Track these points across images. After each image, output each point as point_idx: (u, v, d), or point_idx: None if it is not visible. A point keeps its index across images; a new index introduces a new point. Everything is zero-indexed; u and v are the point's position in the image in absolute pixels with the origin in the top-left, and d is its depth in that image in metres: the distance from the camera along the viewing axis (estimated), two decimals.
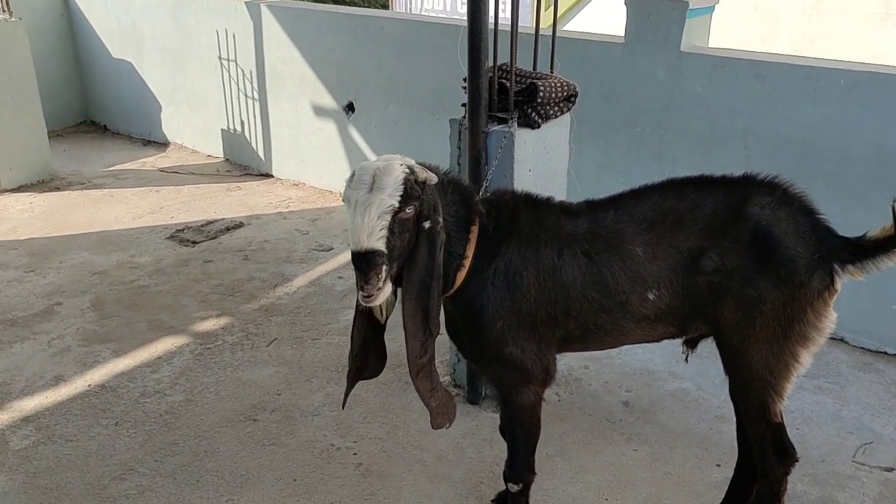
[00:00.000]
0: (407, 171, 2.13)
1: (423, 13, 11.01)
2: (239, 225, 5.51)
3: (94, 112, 7.81)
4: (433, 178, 2.19)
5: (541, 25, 3.52)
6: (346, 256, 4.75)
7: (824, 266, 2.29)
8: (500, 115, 3.18)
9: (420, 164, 2.32)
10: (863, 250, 2.28)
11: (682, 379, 3.66)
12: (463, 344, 2.65)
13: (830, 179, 3.76)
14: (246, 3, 6.11)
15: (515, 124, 3.16)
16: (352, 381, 2.51)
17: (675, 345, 2.77)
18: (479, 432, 3.34)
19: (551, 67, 3.44)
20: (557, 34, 3.47)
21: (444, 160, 3.24)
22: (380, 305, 2.29)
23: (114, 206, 5.87)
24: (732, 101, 4.03)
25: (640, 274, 2.39)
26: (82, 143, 7.35)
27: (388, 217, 2.07)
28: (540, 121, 3.21)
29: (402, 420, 3.41)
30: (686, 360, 2.77)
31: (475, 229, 2.38)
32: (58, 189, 6.22)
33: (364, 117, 5.75)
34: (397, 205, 2.08)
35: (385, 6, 12.93)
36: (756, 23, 8.86)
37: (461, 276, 2.38)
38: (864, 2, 8.39)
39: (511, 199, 2.52)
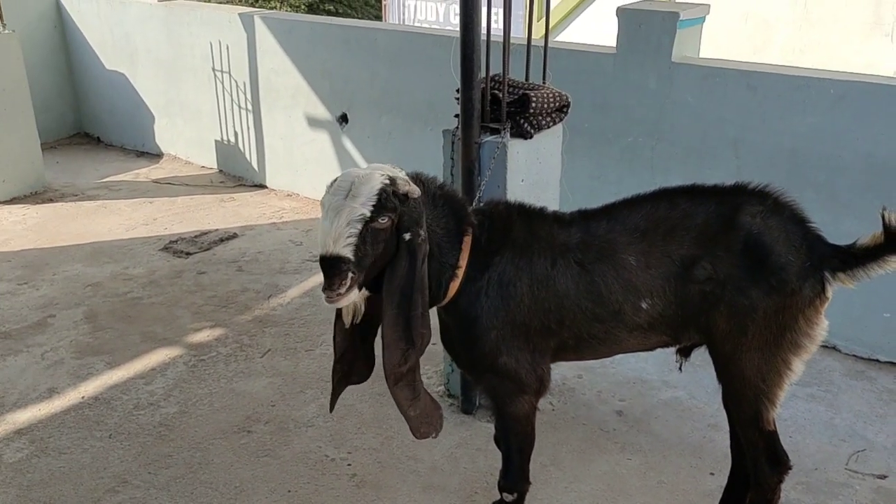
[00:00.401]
0: (386, 182, 2.14)
1: (416, 24, 11.06)
2: (233, 236, 5.51)
3: (88, 124, 7.81)
4: (415, 192, 2.20)
5: (533, 36, 3.54)
6: None
7: (815, 274, 2.31)
8: (492, 125, 3.20)
9: (414, 174, 2.34)
10: (853, 258, 2.30)
11: (675, 388, 3.67)
12: (458, 354, 2.65)
13: (821, 188, 3.79)
14: (239, 14, 6.13)
15: (508, 135, 3.17)
16: (337, 386, 2.51)
17: (668, 354, 2.79)
18: (474, 442, 3.34)
19: (543, 78, 3.47)
20: (549, 45, 3.49)
21: (438, 171, 3.26)
22: (347, 309, 2.33)
23: (107, 218, 5.87)
24: (723, 111, 4.06)
25: (633, 283, 2.40)
26: (76, 155, 7.35)
27: (358, 225, 2.09)
28: (532, 131, 3.22)
29: (397, 430, 3.40)
30: (680, 368, 2.78)
31: (468, 240, 2.39)
32: (51, 201, 6.21)
33: (357, 128, 5.76)
34: (368, 214, 2.10)
35: (378, 17, 12.98)
36: (747, 34, 8.93)
37: (454, 287, 2.39)
38: (854, 13, 8.46)
39: (504, 210, 2.53)
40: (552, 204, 3.32)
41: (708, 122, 4.12)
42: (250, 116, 6.37)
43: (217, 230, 5.60)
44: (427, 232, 2.29)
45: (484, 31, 3.08)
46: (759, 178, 2.46)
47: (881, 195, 3.55)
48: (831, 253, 2.33)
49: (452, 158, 3.30)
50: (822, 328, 2.37)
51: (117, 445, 3.37)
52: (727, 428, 2.73)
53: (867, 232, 2.30)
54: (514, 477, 2.63)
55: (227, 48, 6.28)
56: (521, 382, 2.50)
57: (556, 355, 2.58)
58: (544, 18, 3.74)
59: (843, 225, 3.49)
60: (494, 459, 2.89)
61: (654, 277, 2.40)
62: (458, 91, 3.12)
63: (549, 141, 3.37)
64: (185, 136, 7.04)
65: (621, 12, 4.28)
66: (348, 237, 2.09)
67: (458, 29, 3.05)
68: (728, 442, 2.76)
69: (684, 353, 2.68)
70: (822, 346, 3.89)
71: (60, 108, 7.65)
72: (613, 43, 4.39)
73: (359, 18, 13.03)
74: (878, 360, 3.85)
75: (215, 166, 6.88)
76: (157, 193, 6.37)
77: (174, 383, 3.80)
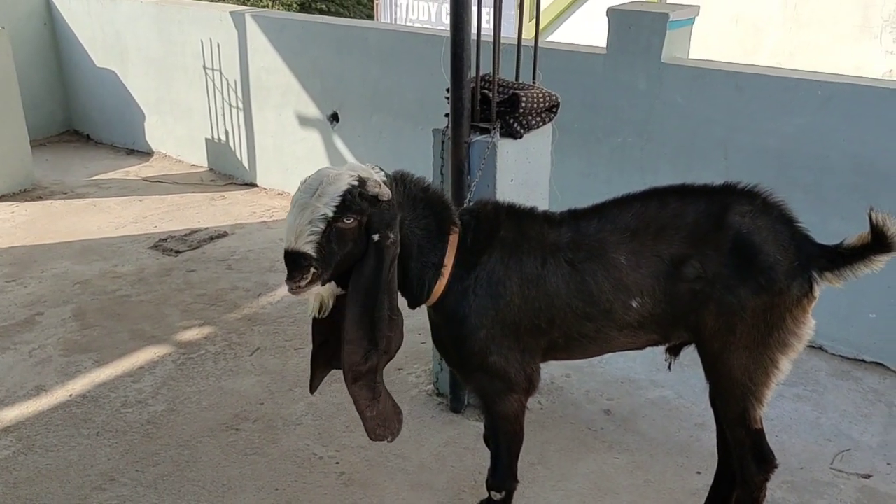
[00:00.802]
0: (354, 183, 2.16)
1: (407, 23, 11.06)
2: (223, 234, 5.50)
3: (78, 121, 7.78)
4: (385, 194, 2.21)
5: (524, 37, 3.55)
6: None
7: (803, 274, 2.32)
8: (482, 125, 3.20)
9: (397, 174, 2.35)
10: (841, 258, 2.31)
11: (662, 387, 3.69)
12: (448, 353, 2.66)
13: (808, 189, 3.82)
14: (230, 13, 6.12)
15: (498, 134, 3.18)
16: (317, 370, 2.51)
17: (656, 354, 2.80)
18: (462, 441, 3.34)
19: (533, 78, 3.48)
20: (540, 45, 3.50)
21: (428, 170, 3.27)
22: (313, 302, 2.37)
23: (96, 216, 5.85)
24: (712, 111, 4.08)
25: (623, 282, 2.41)
26: (65, 153, 7.32)
27: (321, 224, 2.13)
28: (522, 131, 3.23)
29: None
30: (669, 367, 2.80)
31: (453, 239, 2.40)
32: (40, 198, 6.18)
33: (348, 127, 5.76)
34: (331, 214, 2.13)
35: (370, 17, 12.98)
36: (737, 36, 8.97)
37: (441, 285, 2.40)
38: (843, 15, 8.52)
39: (492, 210, 2.54)
40: (542, 203, 3.33)
41: (697, 123, 4.14)
42: (241, 115, 6.36)
43: (207, 228, 5.59)
44: (405, 232, 2.31)
45: (474, 30, 3.08)
46: (747, 178, 2.47)
47: (868, 196, 3.57)
48: (819, 252, 2.34)
49: (442, 157, 3.30)
50: (810, 327, 2.39)
51: (104, 443, 3.35)
52: (714, 427, 2.74)
53: (854, 232, 2.31)
54: (503, 475, 2.64)
55: (218, 46, 6.26)
56: (510, 381, 2.50)
57: (546, 354, 2.59)
58: (535, 19, 3.75)
59: (830, 225, 3.51)
60: (482, 458, 2.90)
61: (644, 276, 2.40)
62: (448, 90, 3.12)
63: (539, 141, 3.38)
64: (176, 134, 7.02)
65: (611, 13, 4.30)
66: (310, 235, 2.13)
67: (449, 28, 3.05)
68: (714, 441, 2.77)
69: (673, 351, 2.69)
70: (809, 347, 3.92)
71: (50, 105, 7.61)
72: (604, 43, 4.40)
73: (351, 17, 13.01)
74: (863, 361, 3.88)
75: (206, 164, 6.87)
76: (146, 191, 6.35)
77: (162, 381, 3.79)
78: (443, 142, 3.26)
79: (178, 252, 5.22)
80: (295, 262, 2.16)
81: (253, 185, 6.48)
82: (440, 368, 3.61)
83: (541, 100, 3.27)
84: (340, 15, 13.67)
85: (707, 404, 2.67)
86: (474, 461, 3.20)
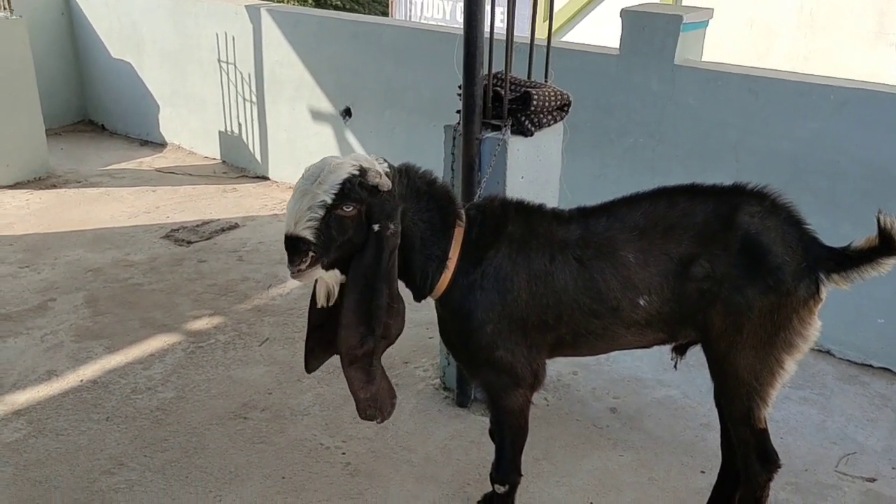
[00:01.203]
0: (355, 173, 2.20)
1: (422, 21, 11.08)
2: (234, 226, 5.54)
3: (93, 111, 7.83)
4: (385, 185, 2.25)
5: (536, 36, 3.56)
6: None
7: (810, 275, 2.33)
8: (493, 122, 3.22)
9: (402, 167, 2.38)
10: (848, 260, 2.33)
11: (669, 387, 3.70)
12: (454, 347, 2.68)
13: (820, 194, 3.82)
14: (246, 6, 6.16)
15: (509, 132, 3.19)
16: (314, 351, 2.54)
17: (664, 353, 2.81)
18: (467, 435, 3.37)
19: (546, 77, 3.49)
20: (553, 45, 3.52)
21: (439, 166, 3.29)
22: (319, 290, 2.41)
23: (110, 205, 5.89)
24: (725, 114, 4.09)
25: (631, 280, 2.42)
26: (80, 142, 7.37)
27: (320, 210, 2.18)
28: (533, 129, 3.24)
29: (391, 421, 3.36)
30: (675, 366, 2.80)
31: (458, 233, 2.42)
32: (54, 187, 6.23)
33: (361, 122, 5.79)
34: (330, 201, 2.18)
35: (385, 14, 13.00)
36: (751, 39, 8.95)
37: (445, 279, 2.42)
38: (858, 21, 8.49)
39: (500, 206, 2.55)
40: (551, 202, 3.35)
41: (709, 125, 4.14)
42: (254, 108, 6.40)
43: (219, 220, 5.63)
44: (407, 224, 2.34)
45: (487, 28, 3.10)
46: (759, 181, 2.48)
47: (880, 202, 3.54)
48: (826, 254, 2.36)
49: (453, 154, 3.32)
50: (816, 328, 2.40)
51: (114, 428, 3.39)
52: (719, 427, 2.75)
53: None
54: (506, 469, 2.66)
55: (233, 40, 6.30)
56: (516, 376, 2.52)
57: (553, 351, 2.60)
58: (549, 19, 3.77)
59: (841, 230, 3.52)
60: (487, 452, 2.92)
61: (652, 275, 2.42)
62: (460, 87, 3.14)
63: (550, 139, 3.39)
64: (190, 126, 7.07)
65: (625, 14, 4.30)
66: (308, 220, 2.18)
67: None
68: (719, 441, 2.78)
69: (680, 350, 2.70)
70: (816, 351, 3.96)
71: (66, 95, 7.67)
72: (617, 44, 4.41)
73: (366, 14, 13.05)
74: (871, 366, 3.88)
75: (219, 157, 6.91)
76: (160, 182, 6.40)
77: (172, 369, 3.83)
78: (454, 138, 3.29)
79: (189, 242, 5.26)
80: (294, 247, 2.22)
81: (265, 178, 6.52)
82: (447, 363, 3.64)
83: (552, 98, 3.28)
84: (355, 11, 13.70)
85: (713, 405, 2.68)
86: (480, 455, 3.22)
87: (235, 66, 6.38)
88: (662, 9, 4.38)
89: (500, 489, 2.68)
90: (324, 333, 2.52)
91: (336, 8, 13.36)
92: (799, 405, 3.58)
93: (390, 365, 3.75)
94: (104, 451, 3.25)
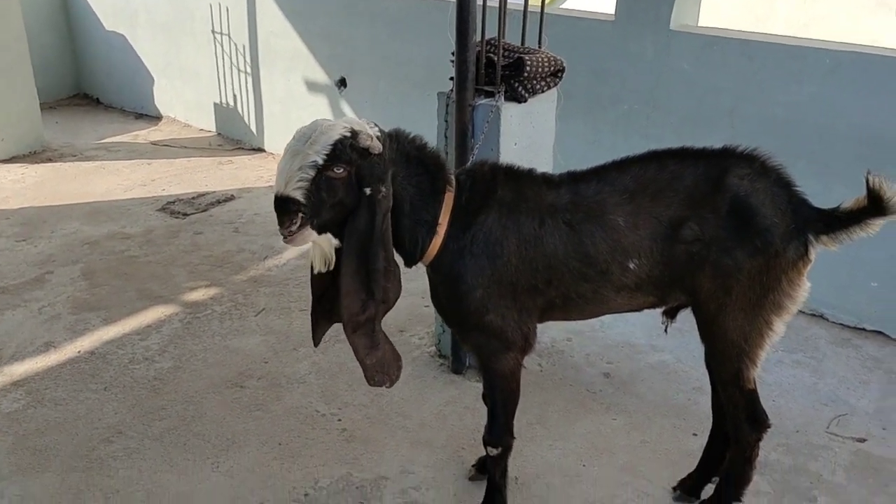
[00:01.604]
0: (346, 134, 2.19)
1: None
2: (230, 198, 5.54)
3: (87, 85, 7.80)
4: (377, 148, 2.24)
5: (530, 3, 3.54)
6: None
7: (799, 236, 2.34)
8: (487, 88, 3.21)
9: (393, 131, 2.37)
10: (837, 221, 2.33)
11: (662, 352, 3.73)
12: (445, 312, 2.69)
13: (814, 158, 3.81)
14: None
15: (502, 98, 3.19)
16: (318, 323, 2.54)
17: (657, 319, 2.82)
18: (462, 400, 3.40)
19: (539, 43, 3.47)
20: (547, 11, 3.49)
21: (433, 135, 3.28)
22: (316, 257, 2.38)
23: (105, 178, 5.89)
24: (720, 80, 4.07)
25: (621, 243, 2.43)
26: (74, 116, 7.36)
27: (311, 171, 2.16)
28: (527, 95, 3.23)
29: (386, 388, 3.43)
30: (665, 330, 2.82)
31: (448, 198, 2.42)
32: (50, 160, 6.23)
33: (356, 92, 5.77)
34: (321, 162, 2.16)
35: None
36: (749, 5, 8.89)
37: (436, 244, 2.43)
38: None
39: (489, 171, 2.55)
40: (545, 168, 3.31)
41: (704, 91, 4.12)
42: (249, 79, 6.38)
43: (214, 192, 5.63)
44: (397, 188, 2.33)
45: None
46: (753, 147, 2.47)
47: (872, 165, 3.47)
48: (815, 216, 2.36)
49: (447, 121, 3.31)
50: (804, 290, 2.40)
51: (112, 398, 3.42)
52: (710, 390, 2.77)
53: None
54: (499, 431, 2.68)
55: (227, 10, 6.26)
56: (506, 340, 2.53)
57: (543, 314, 2.61)
58: None
59: (834, 194, 3.45)
60: (482, 417, 2.94)
61: (641, 238, 2.42)
62: (453, 54, 3.13)
63: (543, 105, 3.38)
64: (184, 98, 7.04)
65: None
66: (299, 181, 2.16)
67: None
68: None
69: (670, 314, 2.71)
70: (809, 315, 3.98)
71: (60, 68, 7.64)
72: (612, 11, 4.38)
73: None
74: (864, 329, 3.90)
75: (214, 129, 6.90)
76: (155, 155, 6.39)
77: (169, 339, 3.85)
78: (447, 105, 3.28)
79: (185, 214, 5.26)
80: (283, 207, 2.20)
81: (260, 150, 6.51)
82: (442, 330, 3.66)
83: (546, 64, 3.27)
84: None
85: (705, 369, 2.70)
86: (474, 420, 3.25)
87: (230, 37, 6.35)
88: None
89: (493, 452, 2.70)
90: (325, 304, 2.53)
91: None
92: (792, 368, 3.61)
93: (386, 333, 3.77)
94: (102, 419, 3.29)
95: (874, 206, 2.26)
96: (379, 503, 2.85)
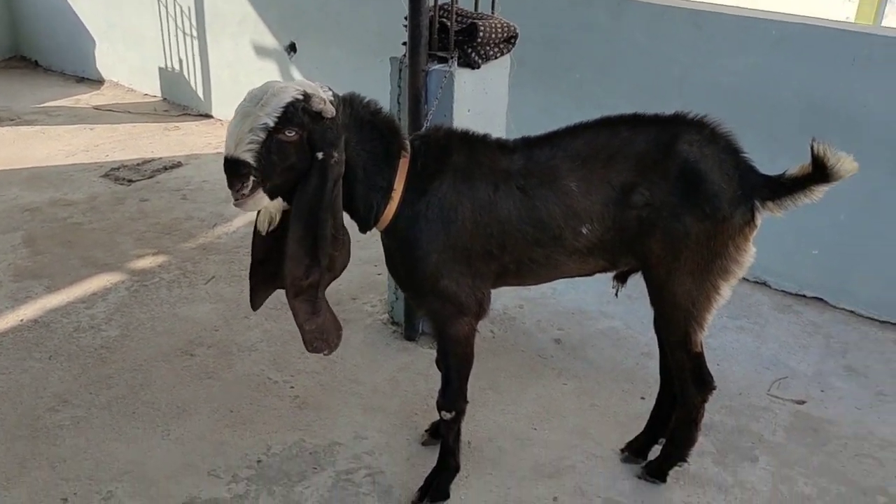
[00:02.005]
0: (299, 97, 2.15)
1: None
2: (177, 164, 5.42)
3: (25, 47, 7.52)
4: (329, 112, 2.21)
5: None
6: None
7: (746, 202, 2.39)
8: (440, 54, 3.19)
9: (347, 96, 2.34)
10: (782, 187, 2.39)
11: (611, 318, 3.79)
12: (400, 277, 2.68)
13: (760, 128, 3.88)
14: None
15: (455, 63, 3.17)
16: (259, 287, 2.52)
17: (607, 286, 2.87)
18: (415, 367, 3.41)
19: (492, 9, 3.45)
20: None
21: (386, 100, 3.25)
22: (261, 217, 2.36)
23: (45, 143, 5.71)
24: (671, 49, 4.10)
25: (573, 208, 2.45)
26: (12, 79, 7.09)
27: (261, 133, 2.12)
28: (480, 61, 3.22)
29: (339, 356, 3.44)
30: (616, 294, 2.85)
31: (402, 163, 2.41)
32: None
33: (306, 57, 5.67)
34: (272, 124, 2.12)
35: None
36: None
37: (390, 210, 2.41)
38: None
39: (444, 136, 2.54)
40: (498, 134, 3.32)
41: (656, 60, 4.16)
42: (196, 43, 6.21)
43: (161, 158, 5.50)
44: (350, 154, 2.31)
45: None
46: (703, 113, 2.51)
47: (817, 134, 3.61)
48: (762, 182, 2.41)
49: (399, 86, 3.29)
50: (750, 255, 2.46)
51: (57, 367, 3.35)
52: (659, 354, 2.83)
53: None
54: (453, 396, 2.70)
55: None
56: (461, 305, 2.54)
57: (497, 280, 2.63)
58: None
59: (780, 163, 3.51)
60: (434, 383, 2.96)
61: (593, 203, 2.45)
62: (406, 18, 3.09)
63: (497, 72, 3.38)
64: (128, 62, 6.84)
65: None
66: (249, 143, 2.12)
67: None
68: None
69: (621, 278, 2.75)
70: (753, 282, 4.08)
71: None
72: None
73: None
74: (804, 296, 4.02)
75: (159, 94, 6.72)
76: (97, 120, 6.21)
77: (115, 307, 3.77)
78: (400, 70, 3.25)
79: (130, 181, 5.14)
80: (234, 170, 2.15)
81: (208, 116, 6.37)
82: (395, 298, 3.66)
83: (499, 30, 3.26)
84: None
85: (653, 335, 2.75)
86: (427, 386, 3.27)
87: None
88: None
89: (447, 416, 2.72)
90: (267, 268, 2.50)
91: None
92: (735, 333, 3.71)
93: (338, 301, 3.76)
94: (48, 388, 3.22)
95: (818, 172, 2.32)
96: (332, 468, 2.86)
